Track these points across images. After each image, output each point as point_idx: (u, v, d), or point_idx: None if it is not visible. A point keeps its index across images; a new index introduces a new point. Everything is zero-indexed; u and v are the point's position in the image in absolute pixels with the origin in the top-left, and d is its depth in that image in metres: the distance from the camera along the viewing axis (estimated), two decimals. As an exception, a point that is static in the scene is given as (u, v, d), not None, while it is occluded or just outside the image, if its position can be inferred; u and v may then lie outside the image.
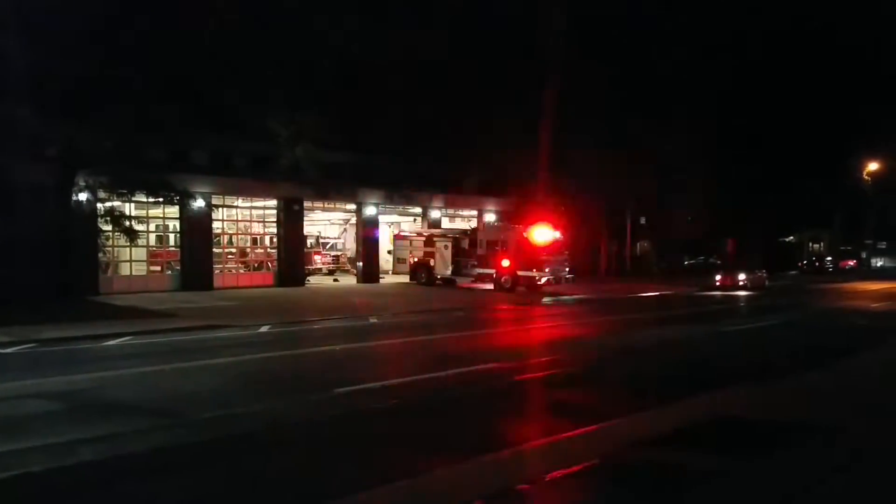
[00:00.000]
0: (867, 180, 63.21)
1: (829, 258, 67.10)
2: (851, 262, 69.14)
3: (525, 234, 33.75)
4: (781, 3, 49.17)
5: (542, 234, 33.98)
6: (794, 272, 60.57)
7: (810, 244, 75.80)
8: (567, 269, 35.09)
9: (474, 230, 37.43)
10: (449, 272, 36.51)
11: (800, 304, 30.29)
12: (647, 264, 53.74)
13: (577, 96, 39.63)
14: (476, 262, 35.26)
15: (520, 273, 33.30)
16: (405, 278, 38.17)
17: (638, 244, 53.54)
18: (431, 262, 37.12)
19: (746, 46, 49.55)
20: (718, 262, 50.69)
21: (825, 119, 58.21)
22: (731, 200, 52.11)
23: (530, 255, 33.25)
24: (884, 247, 75.61)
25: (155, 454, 7.85)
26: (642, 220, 51.13)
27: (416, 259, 37.91)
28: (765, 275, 42.50)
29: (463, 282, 35.95)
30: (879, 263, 72.06)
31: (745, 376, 11.92)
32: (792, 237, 72.77)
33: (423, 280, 36.98)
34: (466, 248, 36.09)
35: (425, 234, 38.88)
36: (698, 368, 13.94)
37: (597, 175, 42.33)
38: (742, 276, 40.35)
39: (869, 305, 30.01)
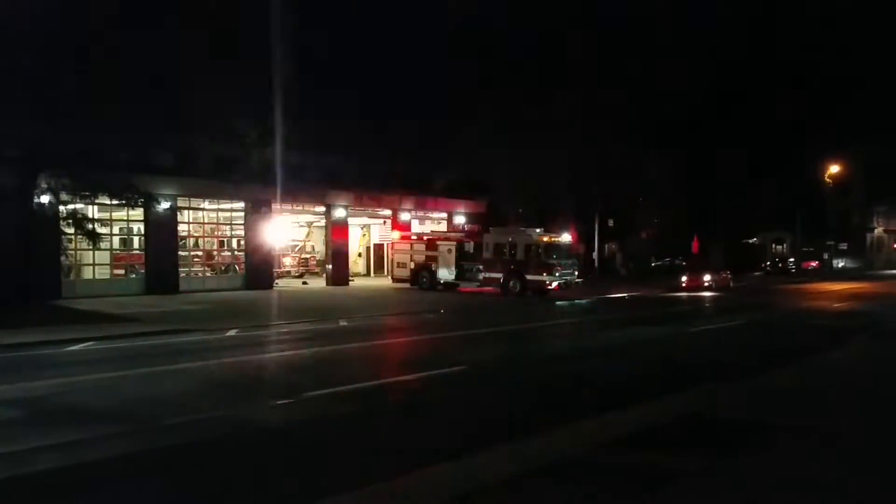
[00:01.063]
0: (828, 183, 64.30)
1: (792, 259, 68.00)
2: (814, 263, 70.12)
3: (535, 238, 32.78)
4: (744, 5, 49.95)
5: (552, 236, 33.34)
6: (757, 273, 61.32)
7: (773, 246, 76.83)
8: (576, 273, 34.04)
9: (480, 233, 36.02)
10: (452, 276, 35.23)
11: (764, 304, 30.63)
12: (615, 266, 54.11)
13: (546, 99, 39.83)
14: (482, 266, 33.91)
15: (529, 277, 32.12)
16: (403, 283, 36.86)
17: (606, 246, 53.87)
18: (433, 266, 35.90)
19: (710, 49, 50.09)
20: (684, 263, 51.07)
21: (787, 122, 59.04)
22: (696, 202, 52.68)
23: (540, 259, 32.12)
24: (845, 248, 76.92)
25: (117, 461, 7.66)
26: (610, 223, 51.44)
27: (416, 263, 36.60)
28: (729, 276, 43.03)
29: (467, 286, 34.64)
30: (841, 264, 73.24)
31: (712, 376, 12.00)
32: (755, 239, 73.69)
33: (426, 285, 35.63)
34: (471, 251, 34.84)
35: (427, 236, 37.86)
36: (667, 368, 14.02)
37: (565, 177, 42.47)
38: (707, 278, 40.80)
39: (832, 305, 30.46)
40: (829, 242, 71.63)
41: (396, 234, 40.09)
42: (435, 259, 35.85)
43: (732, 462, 6.95)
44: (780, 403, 9.64)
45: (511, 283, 32.54)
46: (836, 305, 30.43)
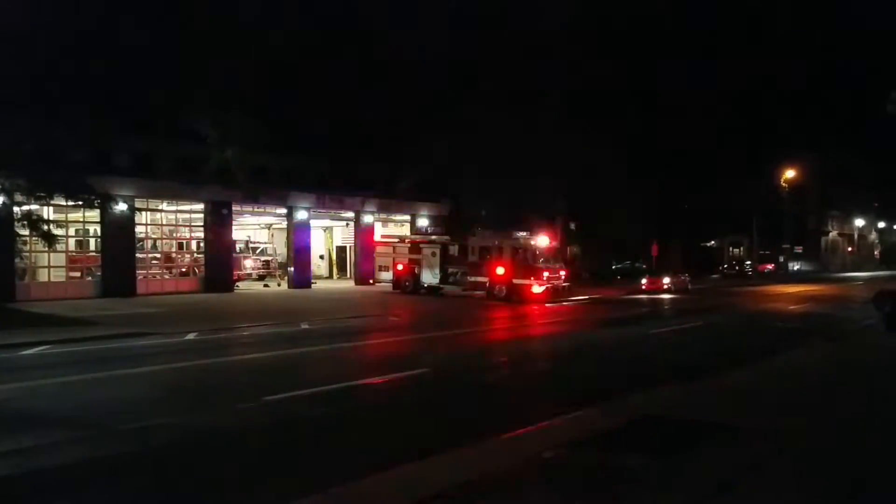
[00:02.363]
0: (784, 187, 65.60)
1: (749, 262, 69.29)
2: (770, 266, 71.50)
3: (521, 242, 32.29)
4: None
5: (539, 241, 32.71)
6: (715, 276, 62.33)
7: (731, 249, 78.25)
8: (563, 278, 33.31)
9: (465, 236, 35.28)
10: (436, 280, 34.37)
11: (721, 306, 31.11)
12: (577, 269, 54.49)
13: (508, 101, 39.96)
14: (467, 270, 33.26)
15: (515, 282, 31.44)
16: (388, 286, 36.23)
17: (568, 248, 54.24)
18: (416, 270, 35.05)
19: (670, 53, 50.79)
20: (644, 266, 51.67)
21: (744, 128, 60.24)
22: (656, 206, 53.34)
23: (527, 264, 31.54)
24: (800, 251, 78.50)
25: (73, 468, 7.53)
26: (572, 226, 51.80)
27: (400, 266, 35.76)
28: (688, 278, 43.64)
29: (452, 290, 33.76)
30: (796, 267, 74.74)
31: (669, 377, 12.15)
32: (713, 242, 74.95)
33: (409, 289, 34.82)
34: (456, 255, 34.02)
35: (410, 239, 37.14)
36: (628, 369, 14.16)
37: (528, 179, 42.55)
38: (666, 280, 41.34)
39: (787, 307, 31.06)
40: (784, 246, 73.04)
41: (378, 237, 39.67)
42: (419, 262, 35.09)
43: (684, 461, 7.06)
44: (734, 404, 9.80)
45: (497, 287, 31.97)
46: (791, 307, 31.04)
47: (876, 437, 8.15)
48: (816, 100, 65.92)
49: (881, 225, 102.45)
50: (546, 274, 31.76)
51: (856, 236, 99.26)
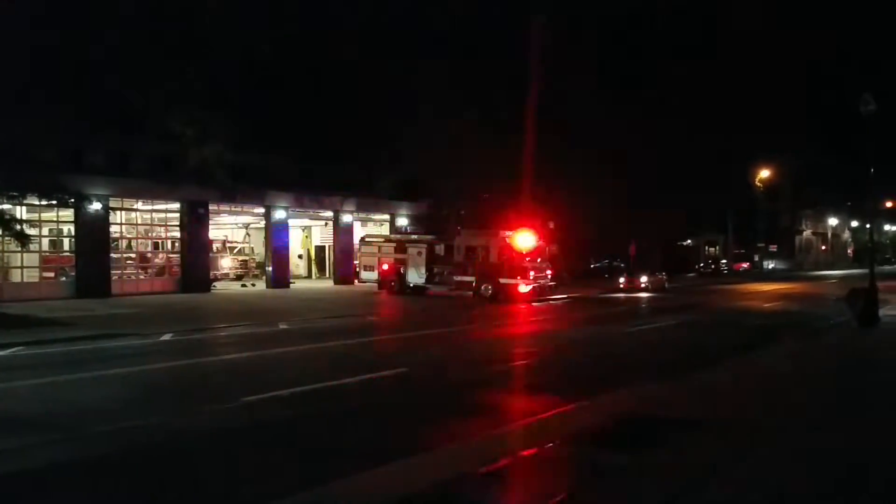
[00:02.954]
0: (759, 187, 66.29)
1: (725, 261, 70.01)
2: (745, 265, 72.29)
3: (508, 241, 31.68)
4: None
5: (526, 239, 32.04)
6: (692, 274, 62.83)
7: (707, 248, 78.93)
8: (550, 277, 33.27)
9: (451, 235, 34.82)
10: (422, 280, 34.01)
11: (697, 304, 31.36)
12: (556, 268, 54.62)
13: (483, 101, 39.93)
14: (454, 270, 32.82)
15: (502, 281, 31.08)
16: (373, 286, 35.79)
17: (547, 248, 54.33)
18: (402, 270, 34.64)
19: (635, 52, 50.97)
20: (622, 265, 51.96)
21: (719, 128, 60.59)
22: (634, 206, 53.55)
23: (514, 263, 31.17)
24: (774, 250, 79.36)
25: (46, 470, 7.44)
26: (550, 225, 51.95)
27: (385, 266, 35.28)
28: (664, 277, 43.96)
29: (438, 290, 33.35)
30: (771, 266, 75.54)
31: (647, 374, 12.24)
32: (689, 241, 75.58)
33: (395, 288, 34.45)
34: (442, 254, 33.69)
35: (396, 238, 36.78)
36: (605, 367, 14.23)
37: (505, 177, 42.50)
38: (644, 279, 41.62)
39: (762, 305, 31.42)
40: (759, 245, 73.83)
41: (358, 236, 39.23)
42: (404, 262, 34.66)
43: (659, 457, 7.13)
44: (709, 401, 9.90)
45: (483, 287, 31.57)
46: (766, 305, 31.40)
47: (841, 432, 8.28)
48: (791, 100, 66.41)
49: (854, 224, 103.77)
50: (532, 273, 31.54)
51: (829, 235, 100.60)
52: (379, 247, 36.26)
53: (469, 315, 26.18)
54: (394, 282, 34.74)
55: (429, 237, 36.17)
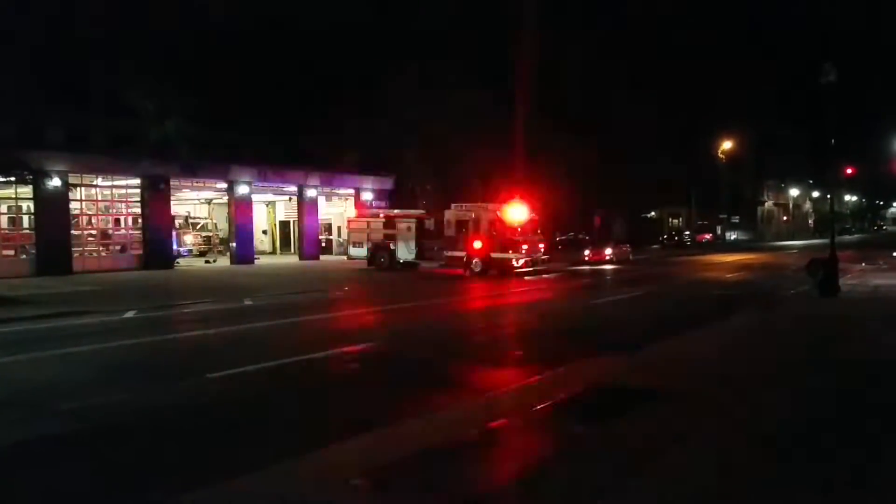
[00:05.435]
0: (721, 158, 67.04)
1: (688, 233, 70.87)
2: (708, 236, 73.28)
3: (499, 214, 31.11)
4: None
5: (517, 212, 31.38)
6: (656, 246, 63.47)
7: (670, 220, 79.82)
8: (542, 250, 32.86)
9: (441, 210, 33.94)
10: (412, 256, 33.43)
11: (661, 276, 31.76)
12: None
13: (448, 72, 39.85)
14: (444, 245, 32.14)
15: (493, 255, 30.60)
16: (362, 264, 34.80)
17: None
18: (392, 246, 34.02)
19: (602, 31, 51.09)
20: (587, 237, 52.32)
21: (684, 99, 61.05)
22: (598, 178, 53.91)
23: (505, 236, 30.73)
24: (737, 221, 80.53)
25: (10, 449, 7.40)
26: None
27: (374, 241, 34.54)
28: (629, 249, 44.43)
29: (429, 266, 32.85)
30: (733, 237, 76.74)
31: (611, 346, 12.41)
32: (653, 213, 76.35)
33: (385, 265, 33.67)
34: (432, 228, 33.20)
35: (384, 214, 35.97)
36: (568, 340, 14.38)
37: (471, 150, 42.47)
38: (609, 251, 41.99)
39: (724, 276, 31.91)
40: (722, 216, 74.79)
41: (353, 212, 38.67)
42: (394, 238, 34.02)
43: (624, 424, 7.29)
44: (670, 372, 10.10)
45: (473, 261, 31.03)
46: (728, 276, 31.90)
47: (802, 396, 8.53)
48: (752, 71, 67.16)
49: (815, 195, 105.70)
50: (525, 246, 31.22)
51: (791, 206, 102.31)
52: (368, 223, 35.59)
53: (448, 289, 26.13)
54: (383, 258, 34.16)
55: (419, 212, 35.72)
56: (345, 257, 35.84)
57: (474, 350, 13.42)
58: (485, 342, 14.48)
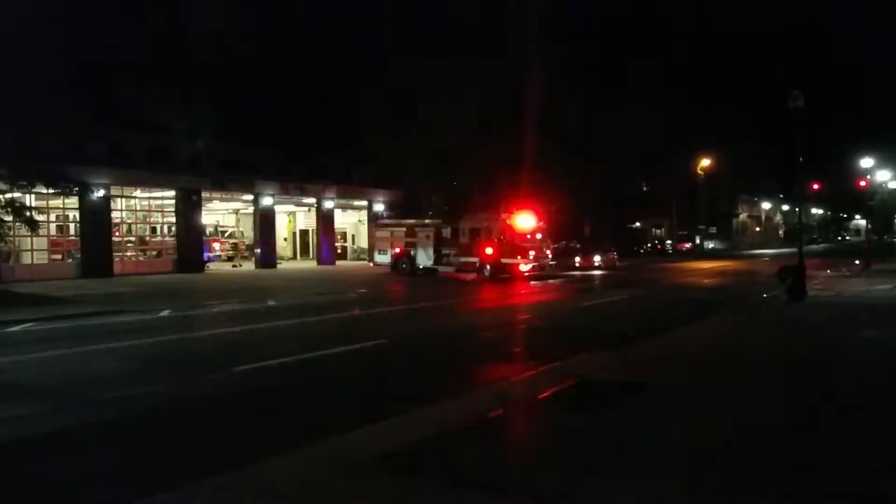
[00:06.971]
0: (700, 174, 66.99)
1: (669, 241, 70.78)
2: (688, 245, 73.13)
3: (508, 221, 30.76)
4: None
5: (525, 220, 31.27)
6: (641, 253, 63.43)
7: (653, 229, 79.73)
8: (549, 257, 32.69)
9: (457, 218, 33.72)
10: (430, 262, 33.04)
11: (645, 281, 31.63)
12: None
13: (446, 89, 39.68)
14: (458, 251, 31.90)
15: (503, 261, 30.28)
16: (386, 269, 34.65)
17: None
18: (412, 252, 33.67)
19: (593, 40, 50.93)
20: (578, 245, 52.23)
21: (667, 121, 60.92)
22: (589, 191, 53.83)
23: (514, 243, 30.37)
24: (714, 231, 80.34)
25: (57, 435, 7.42)
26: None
27: (397, 249, 34.33)
28: (616, 256, 44.32)
29: (446, 271, 32.39)
30: (710, 245, 76.52)
31: (601, 344, 12.40)
32: (638, 223, 76.25)
33: (406, 270, 33.37)
34: (449, 236, 32.69)
35: (406, 223, 35.81)
36: (563, 337, 14.37)
37: (467, 160, 42.18)
38: (597, 258, 41.92)
39: (702, 281, 31.82)
40: (700, 227, 74.65)
41: (366, 221, 39.25)
42: (414, 245, 33.81)
43: (610, 416, 7.31)
44: (654, 366, 10.10)
45: (485, 267, 30.70)
46: (706, 281, 31.82)
47: (772, 387, 8.53)
48: (728, 94, 67.25)
49: (785, 208, 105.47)
50: (532, 252, 31.00)
51: (763, 218, 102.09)
52: (391, 231, 35.47)
53: (454, 291, 26.06)
54: (405, 264, 33.93)
55: (436, 221, 35.53)
56: (359, 262, 36.00)
57: (481, 345, 13.43)
58: (483, 341, 14.47)
